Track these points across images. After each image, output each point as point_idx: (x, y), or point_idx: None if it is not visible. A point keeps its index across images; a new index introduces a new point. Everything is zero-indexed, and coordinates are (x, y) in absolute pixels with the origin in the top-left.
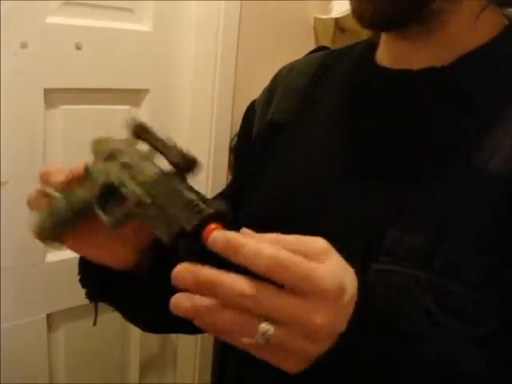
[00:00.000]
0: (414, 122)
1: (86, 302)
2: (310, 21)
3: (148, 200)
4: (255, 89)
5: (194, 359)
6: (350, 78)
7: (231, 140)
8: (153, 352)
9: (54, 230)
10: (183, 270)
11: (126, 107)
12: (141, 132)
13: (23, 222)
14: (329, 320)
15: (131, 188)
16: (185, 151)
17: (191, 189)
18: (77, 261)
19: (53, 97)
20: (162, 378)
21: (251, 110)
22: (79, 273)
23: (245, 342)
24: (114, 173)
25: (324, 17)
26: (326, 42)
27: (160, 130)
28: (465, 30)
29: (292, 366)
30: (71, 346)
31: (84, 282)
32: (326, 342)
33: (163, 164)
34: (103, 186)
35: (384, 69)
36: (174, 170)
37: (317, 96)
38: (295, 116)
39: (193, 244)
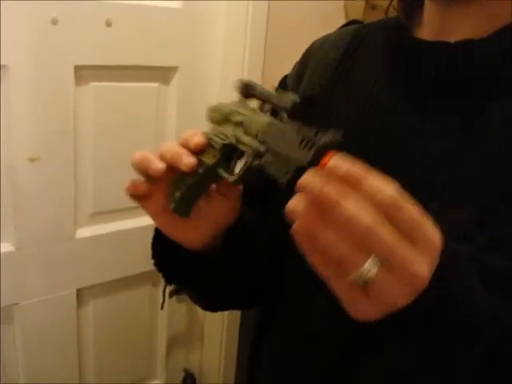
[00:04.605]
0: (454, 93)
1: (115, 277)
2: None
3: (262, 148)
4: (285, 67)
5: (221, 337)
6: (387, 50)
7: None
8: (180, 329)
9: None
10: (314, 176)
11: (156, 84)
12: (248, 90)
13: (53, 198)
14: (429, 273)
15: (247, 142)
16: (292, 95)
17: (302, 127)
18: (106, 237)
19: (83, 73)
20: (188, 354)
21: (283, 84)
22: (153, 257)
23: (334, 275)
24: (230, 133)
25: None
26: None
27: (189, 108)
28: (504, 5)
29: (372, 313)
30: (100, 321)
31: (159, 265)
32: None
33: None
34: (222, 148)
35: (422, 40)
36: (284, 115)
37: (350, 68)
38: (327, 88)
39: None
